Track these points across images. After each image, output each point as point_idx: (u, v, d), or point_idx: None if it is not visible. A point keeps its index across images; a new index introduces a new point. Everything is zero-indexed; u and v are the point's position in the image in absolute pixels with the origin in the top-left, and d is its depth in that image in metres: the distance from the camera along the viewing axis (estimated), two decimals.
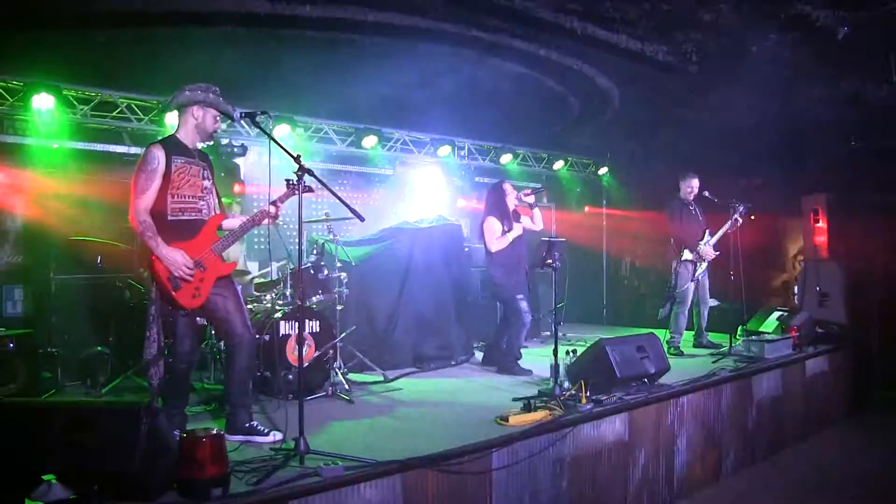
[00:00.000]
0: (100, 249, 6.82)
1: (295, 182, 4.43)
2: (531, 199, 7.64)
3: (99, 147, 7.75)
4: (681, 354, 8.26)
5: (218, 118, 4.76)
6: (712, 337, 8.81)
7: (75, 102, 7.34)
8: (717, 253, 8.54)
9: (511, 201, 7.58)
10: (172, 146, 4.60)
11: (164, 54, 6.57)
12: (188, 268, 4.44)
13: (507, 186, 7.67)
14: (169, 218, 4.51)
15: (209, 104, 4.66)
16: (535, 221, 7.75)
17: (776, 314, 9.22)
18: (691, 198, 8.68)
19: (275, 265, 7.51)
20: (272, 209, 4.74)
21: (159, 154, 4.49)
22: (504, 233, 7.43)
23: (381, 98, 8.27)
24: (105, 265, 6.92)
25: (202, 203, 4.68)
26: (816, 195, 10.14)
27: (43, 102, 6.99)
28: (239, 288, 4.97)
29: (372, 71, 7.42)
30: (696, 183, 8.63)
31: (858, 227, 9.93)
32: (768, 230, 10.70)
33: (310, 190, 4.53)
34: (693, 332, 8.85)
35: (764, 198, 9.67)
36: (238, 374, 4.72)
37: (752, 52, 7.11)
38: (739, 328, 8.91)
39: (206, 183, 4.75)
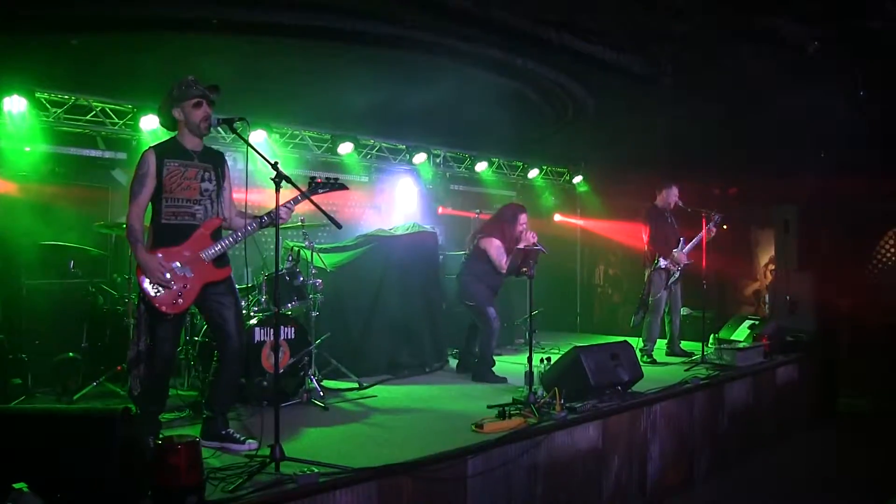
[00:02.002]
0: (72, 254, 6.74)
1: (321, 181, 4.46)
2: (531, 240, 7.53)
3: (72, 151, 7.66)
4: (654, 362, 8.35)
5: (199, 104, 4.63)
6: (684, 345, 8.89)
7: (48, 105, 7.24)
8: (691, 261, 8.64)
9: (517, 231, 7.57)
10: (167, 149, 4.59)
11: (140, 59, 6.52)
12: (163, 273, 4.42)
13: (523, 217, 7.66)
14: (162, 222, 4.53)
15: (182, 99, 4.61)
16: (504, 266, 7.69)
17: (748, 323, 9.35)
18: (669, 207, 8.77)
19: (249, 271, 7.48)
20: (284, 210, 4.64)
21: (150, 158, 4.50)
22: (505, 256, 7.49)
23: (358, 106, 8.27)
24: (77, 270, 6.85)
25: (198, 207, 4.63)
26: (787, 205, 10.29)
27: (15, 105, 6.90)
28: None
29: (348, 79, 7.44)
30: (676, 192, 8.73)
31: (828, 237, 10.09)
32: (740, 239, 10.84)
33: (343, 187, 4.56)
34: (665, 341, 8.93)
35: (736, 207, 9.81)
36: (223, 381, 4.75)
37: (724, 63, 7.21)
38: (711, 336, 9.01)
39: (208, 185, 4.69)
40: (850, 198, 9.98)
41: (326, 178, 4.71)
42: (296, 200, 4.71)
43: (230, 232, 4.79)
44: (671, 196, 8.73)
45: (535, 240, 7.47)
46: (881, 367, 9.40)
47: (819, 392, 9.28)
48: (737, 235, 10.30)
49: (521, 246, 7.46)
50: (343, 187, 4.75)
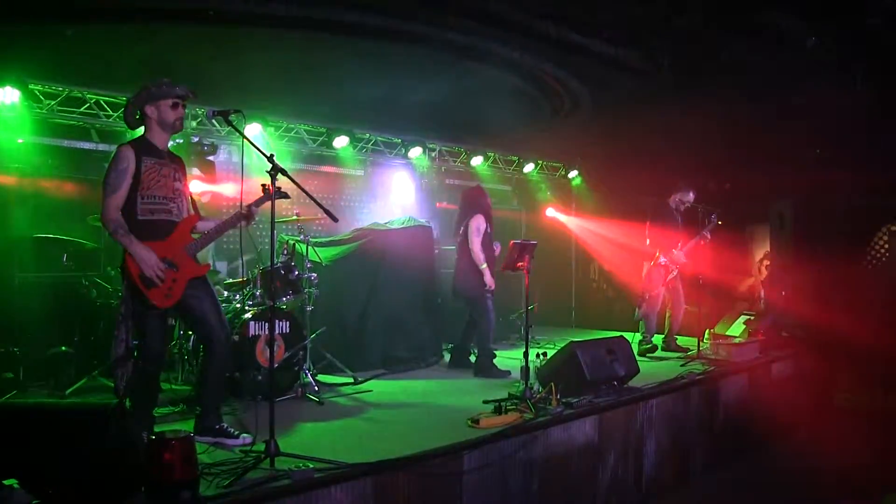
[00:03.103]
0: (66, 247, 6.69)
1: (271, 186, 4.43)
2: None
3: (66, 143, 7.62)
4: (654, 349, 8.52)
5: (176, 105, 4.63)
6: (680, 340, 8.90)
7: (41, 97, 7.19)
8: (688, 261, 8.66)
9: (489, 204, 7.64)
10: (142, 147, 4.56)
11: (136, 51, 6.48)
12: (160, 267, 4.39)
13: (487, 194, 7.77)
14: (139, 218, 4.47)
15: (158, 97, 4.59)
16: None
17: (743, 318, 9.35)
18: (680, 208, 8.78)
19: (245, 265, 7.45)
20: (247, 212, 4.70)
21: (129, 154, 4.46)
22: (485, 233, 7.48)
23: (354, 99, 8.24)
24: (71, 263, 6.81)
25: (173, 204, 4.63)
26: (783, 201, 10.29)
27: (7, 96, 6.85)
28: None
29: (346, 73, 7.39)
30: (692, 197, 8.74)
31: (823, 232, 10.09)
32: (735, 235, 10.83)
33: (285, 196, 4.51)
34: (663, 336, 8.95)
35: (731, 203, 9.81)
36: (213, 375, 4.70)
37: (721, 58, 7.18)
38: (707, 332, 9.02)
39: (178, 185, 4.70)
40: (845, 193, 9.99)
41: (277, 188, 4.63)
42: (257, 203, 4.70)
43: (202, 231, 4.79)
44: (686, 198, 8.73)
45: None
46: (877, 363, 9.41)
47: (815, 387, 9.28)
48: (732, 231, 10.29)
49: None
50: (286, 196, 4.66)
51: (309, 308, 6.73)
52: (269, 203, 4.48)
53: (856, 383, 9.59)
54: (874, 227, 10.55)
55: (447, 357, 8.18)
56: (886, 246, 10.54)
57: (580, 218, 12.72)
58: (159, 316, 4.56)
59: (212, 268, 7.65)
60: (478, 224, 7.49)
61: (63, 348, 6.45)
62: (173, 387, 6.21)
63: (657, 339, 8.77)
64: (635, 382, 6.51)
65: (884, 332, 9.41)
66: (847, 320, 9.86)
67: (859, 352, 9.57)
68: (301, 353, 6.38)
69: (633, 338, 7.88)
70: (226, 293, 6.80)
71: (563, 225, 12.69)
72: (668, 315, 8.88)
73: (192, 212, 4.84)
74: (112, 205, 4.40)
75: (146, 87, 4.60)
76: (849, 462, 7.23)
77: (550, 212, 12.56)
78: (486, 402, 5.74)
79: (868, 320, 9.65)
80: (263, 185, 4.57)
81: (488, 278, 7.44)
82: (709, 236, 8.58)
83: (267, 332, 5.89)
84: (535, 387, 5.84)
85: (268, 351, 5.15)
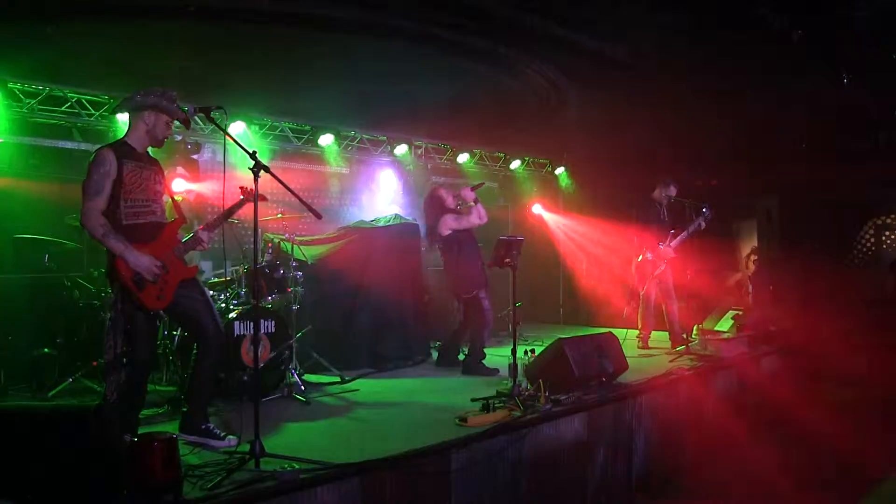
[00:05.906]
0: (47, 248, 6.61)
1: (249, 190, 4.42)
2: (471, 196, 7.52)
3: (47, 143, 7.52)
4: (647, 348, 8.54)
5: (170, 124, 4.65)
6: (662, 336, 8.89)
7: (21, 96, 7.09)
8: (675, 254, 8.65)
9: (451, 204, 7.51)
10: (122, 150, 4.49)
11: (116, 49, 6.40)
12: (156, 265, 4.36)
13: (442, 192, 7.61)
14: (124, 222, 4.39)
15: (162, 110, 4.55)
16: (480, 217, 7.57)
17: (731, 313, 9.35)
18: (664, 202, 8.78)
19: (228, 264, 7.37)
20: (227, 215, 4.74)
21: (110, 157, 4.38)
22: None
23: (338, 96, 8.18)
24: (53, 264, 6.72)
25: (156, 206, 4.60)
26: (769, 196, 10.31)
27: None
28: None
29: (329, 69, 7.34)
30: (673, 191, 8.75)
31: (810, 226, 10.11)
32: (722, 230, 10.85)
33: (263, 199, 4.48)
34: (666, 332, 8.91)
35: (718, 198, 9.81)
36: (203, 374, 4.68)
37: (707, 53, 7.17)
38: (695, 327, 9.01)
39: (158, 187, 4.66)
40: (831, 188, 10.01)
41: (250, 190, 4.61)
42: (235, 207, 4.74)
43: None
44: (668, 192, 8.74)
45: (473, 195, 7.47)
46: (863, 356, 9.43)
47: (802, 381, 9.29)
48: (718, 226, 10.30)
49: (455, 199, 7.50)
50: (264, 199, 4.65)
51: (295, 307, 6.67)
52: (250, 203, 4.45)
53: (843, 377, 9.61)
54: (861, 221, 10.60)
55: (435, 355, 8.14)
56: (873, 240, 10.59)
57: (567, 214, 12.68)
58: (150, 319, 4.52)
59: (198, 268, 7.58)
60: (449, 220, 7.39)
61: (45, 350, 6.36)
62: (158, 388, 6.15)
63: (661, 336, 8.78)
64: (624, 379, 6.49)
65: (871, 326, 9.45)
66: (834, 314, 9.91)
67: (846, 345, 9.60)
68: (287, 352, 6.33)
69: (626, 334, 7.89)
70: (211, 292, 6.72)
71: (551, 221, 12.63)
72: (664, 310, 8.87)
73: (176, 215, 4.78)
74: (95, 209, 4.32)
75: (159, 93, 4.55)
76: (836, 454, 7.25)
77: (536, 208, 12.49)
78: (474, 400, 5.71)
79: (855, 314, 9.69)
80: (242, 188, 4.56)
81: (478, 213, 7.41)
82: (703, 224, 8.58)
83: (252, 332, 5.84)
84: (524, 384, 5.82)
85: (253, 351, 5.09)
